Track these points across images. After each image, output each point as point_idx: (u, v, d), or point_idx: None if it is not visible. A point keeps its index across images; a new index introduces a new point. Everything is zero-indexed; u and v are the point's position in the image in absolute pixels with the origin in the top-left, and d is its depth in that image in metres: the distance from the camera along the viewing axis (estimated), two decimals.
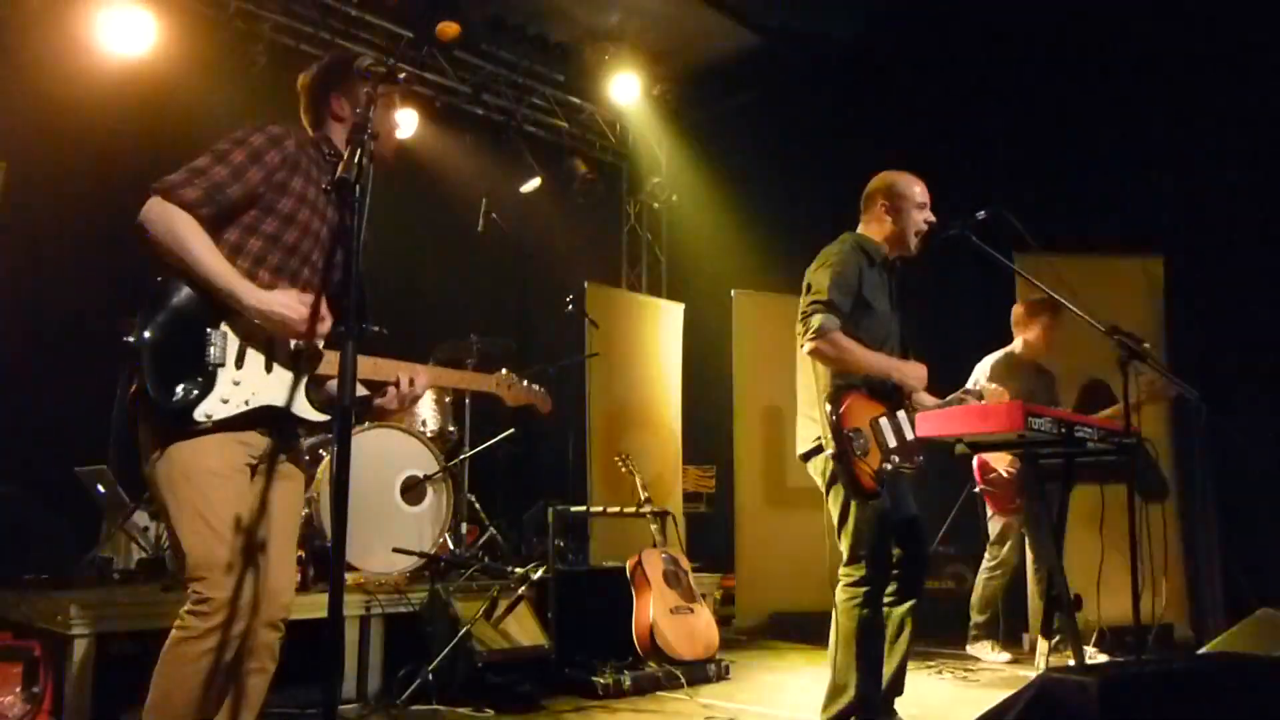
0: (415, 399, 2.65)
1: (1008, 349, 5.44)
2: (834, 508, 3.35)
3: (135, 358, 2.31)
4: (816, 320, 3.26)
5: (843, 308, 3.30)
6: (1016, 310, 5.46)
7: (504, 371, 2.95)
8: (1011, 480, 5.26)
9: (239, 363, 2.43)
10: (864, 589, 3.27)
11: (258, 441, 2.51)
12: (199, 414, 2.35)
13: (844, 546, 3.33)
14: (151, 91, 5.71)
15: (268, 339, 2.48)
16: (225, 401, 2.40)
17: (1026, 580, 5.50)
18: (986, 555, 5.53)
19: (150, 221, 2.37)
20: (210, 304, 2.40)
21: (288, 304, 2.43)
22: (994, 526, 5.52)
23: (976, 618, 5.48)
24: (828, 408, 3.21)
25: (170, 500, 2.37)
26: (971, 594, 5.60)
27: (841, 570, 3.35)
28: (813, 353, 3.29)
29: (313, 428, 2.58)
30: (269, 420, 2.50)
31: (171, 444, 2.36)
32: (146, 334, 2.33)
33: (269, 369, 2.48)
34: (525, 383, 2.97)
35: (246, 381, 2.43)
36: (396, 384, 2.61)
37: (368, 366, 2.55)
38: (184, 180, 2.39)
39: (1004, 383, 5.32)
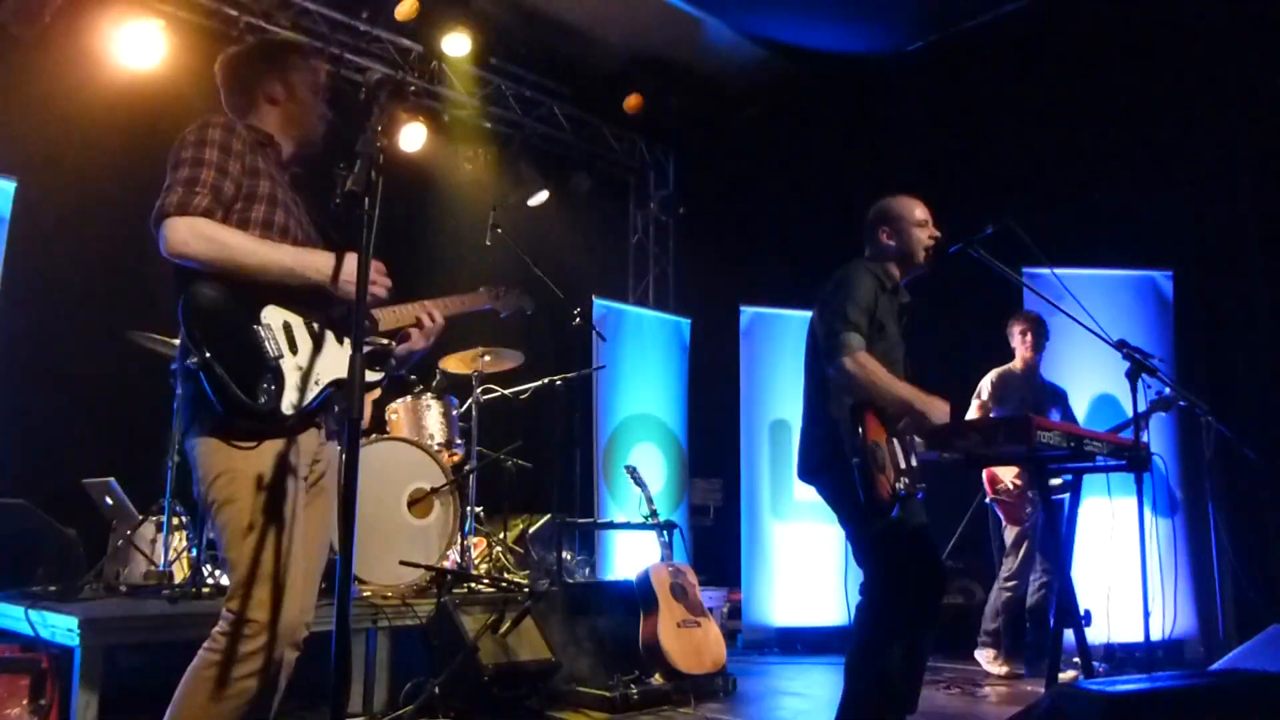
0: (440, 331, 2.64)
1: (1007, 365, 5.59)
2: (851, 528, 3.30)
3: (208, 374, 2.18)
4: (843, 339, 3.20)
5: (865, 328, 3.27)
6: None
7: (483, 288, 2.99)
8: (1019, 491, 5.31)
9: (293, 348, 2.34)
10: (893, 604, 3.23)
11: (309, 444, 2.42)
12: (286, 408, 2.27)
13: (870, 565, 3.28)
14: (162, 105, 5.74)
15: (306, 315, 2.39)
16: (301, 390, 2.31)
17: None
18: (1003, 565, 5.54)
19: (186, 243, 2.25)
20: (241, 298, 2.29)
21: (350, 266, 2.34)
22: (1008, 536, 5.53)
23: (988, 625, 5.49)
24: (850, 420, 3.17)
25: (227, 515, 2.25)
26: (985, 607, 5.60)
27: (870, 584, 3.31)
28: (840, 371, 3.22)
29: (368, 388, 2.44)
30: (331, 402, 2.42)
31: (238, 456, 2.26)
32: (207, 350, 2.18)
33: (320, 344, 2.40)
34: (504, 289, 3.05)
35: (308, 364, 2.35)
36: (420, 323, 2.60)
37: (390, 317, 2.56)
38: (187, 193, 2.29)
39: (1000, 397, 5.45)
